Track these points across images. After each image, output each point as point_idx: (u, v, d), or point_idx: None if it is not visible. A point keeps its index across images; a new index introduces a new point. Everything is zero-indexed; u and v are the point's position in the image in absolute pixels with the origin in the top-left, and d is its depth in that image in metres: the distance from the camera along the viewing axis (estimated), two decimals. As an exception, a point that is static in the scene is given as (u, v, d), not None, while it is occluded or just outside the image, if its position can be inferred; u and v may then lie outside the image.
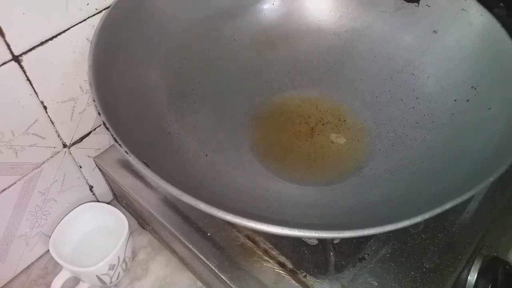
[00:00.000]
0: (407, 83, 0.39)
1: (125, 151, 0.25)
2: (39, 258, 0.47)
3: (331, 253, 0.32)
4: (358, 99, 0.41)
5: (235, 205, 0.31)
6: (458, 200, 0.23)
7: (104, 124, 0.27)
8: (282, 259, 0.34)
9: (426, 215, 0.23)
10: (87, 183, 0.48)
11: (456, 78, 0.36)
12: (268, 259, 0.34)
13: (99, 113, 0.27)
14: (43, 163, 0.42)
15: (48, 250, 0.41)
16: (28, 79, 0.37)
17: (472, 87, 0.34)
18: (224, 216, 0.24)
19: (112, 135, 0.26)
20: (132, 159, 0.25)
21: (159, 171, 0.26)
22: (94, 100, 0.28)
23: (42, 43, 0.36)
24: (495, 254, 0.36)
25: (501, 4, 0.42)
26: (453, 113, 0.35)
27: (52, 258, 0.40)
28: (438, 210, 0.23)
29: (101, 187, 0.49)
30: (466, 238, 0.34)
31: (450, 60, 0.37)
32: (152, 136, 0.33)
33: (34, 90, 0.38)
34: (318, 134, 0.39)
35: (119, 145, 0.26)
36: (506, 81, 0.32)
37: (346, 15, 0.43)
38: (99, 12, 0.39)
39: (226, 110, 0.40)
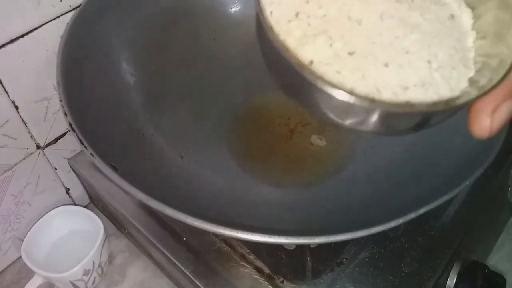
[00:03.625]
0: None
1: (91, 153, 0.24)
2: (13, 263, 0.45)
3: (308, 258, 0.32)
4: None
5: (209, 210, 0.30)
6: (433, 205, 0.23)
7: (70, 125, 0.26)
8: (259, 264, 0.34)
9: (400, 220, 0.22)
10: (63, 185, 0.46)
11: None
12: (245, 264, 0.34)
13: (65, 114, 0.26)
14: (16, 164, 0.40)
15: (23, 255, 0.40)
16: (-3, 78, 0.36)
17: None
18: (193, 222, 0.23)
19: (77, 137, 0.25)
20: (97, 162, 0.24)
21: (129, 174, 0.25)
22: (61, 100, 0.27)
23: (12, 41, 0.35)
24: (474, 258, 0.35)
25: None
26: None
27: (26, 263, 0.39)
28: (412, 215, 0.22)
29: (78, 190, 0.47)
30: (445, 241, 0.34)
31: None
32: (124, 137, 0.32)
33: (5, 89, 0.36)
34: (298, 136, 0.39)
35: (85, 147, 0.25)
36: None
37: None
38: (73, 9, 0.38)
39: (204, 111, 0.39)
